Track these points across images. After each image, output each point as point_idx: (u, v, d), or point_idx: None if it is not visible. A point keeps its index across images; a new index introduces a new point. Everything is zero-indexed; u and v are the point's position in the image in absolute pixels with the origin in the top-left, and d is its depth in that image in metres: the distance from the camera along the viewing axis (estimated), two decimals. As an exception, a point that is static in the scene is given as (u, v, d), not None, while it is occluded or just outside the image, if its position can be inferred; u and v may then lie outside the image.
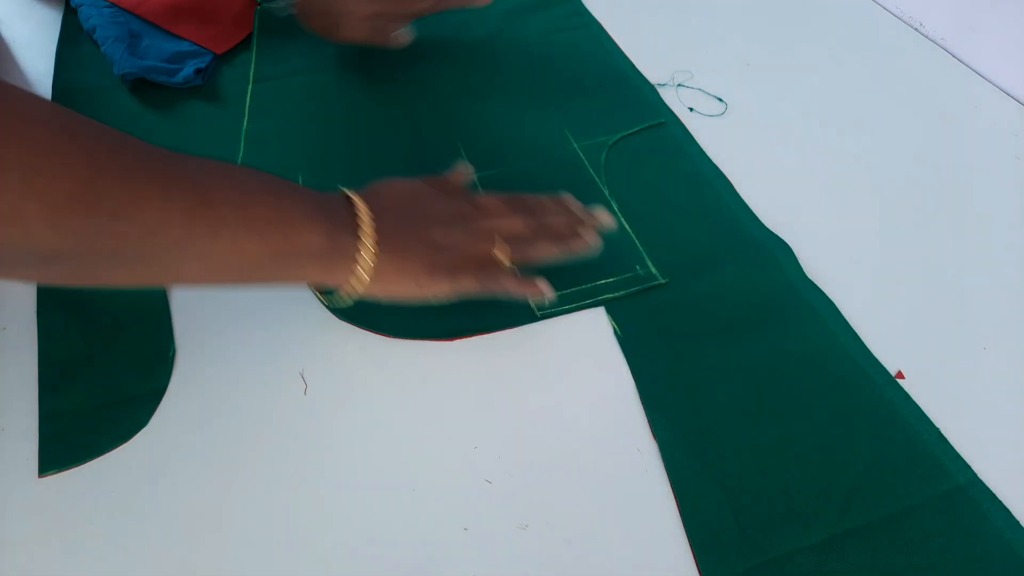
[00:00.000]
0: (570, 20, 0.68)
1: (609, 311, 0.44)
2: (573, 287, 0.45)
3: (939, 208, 0.52)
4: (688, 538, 0.35)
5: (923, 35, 0.68)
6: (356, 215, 0.37)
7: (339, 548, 0.34)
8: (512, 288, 0.41)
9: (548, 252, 0.42)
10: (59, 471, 0.36)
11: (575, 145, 0.55)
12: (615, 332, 0.43)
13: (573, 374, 0.41)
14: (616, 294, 0.45)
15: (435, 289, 0.39)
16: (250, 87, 0.59)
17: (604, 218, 0.44)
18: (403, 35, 0.54)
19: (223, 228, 0.32)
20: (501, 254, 0.41)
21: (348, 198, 0.39)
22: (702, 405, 0.40)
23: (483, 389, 0.40)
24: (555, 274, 0.45)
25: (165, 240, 0.30)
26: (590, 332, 0.43)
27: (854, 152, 0.56)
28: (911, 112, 0.60)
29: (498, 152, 0.54)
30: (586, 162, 0.53)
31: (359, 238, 0.37)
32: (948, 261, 0.48)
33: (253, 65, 0.61)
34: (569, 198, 0.45)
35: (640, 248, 0.47)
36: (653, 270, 0.46)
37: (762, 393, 0.40)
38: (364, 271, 0.37)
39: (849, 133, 0.58)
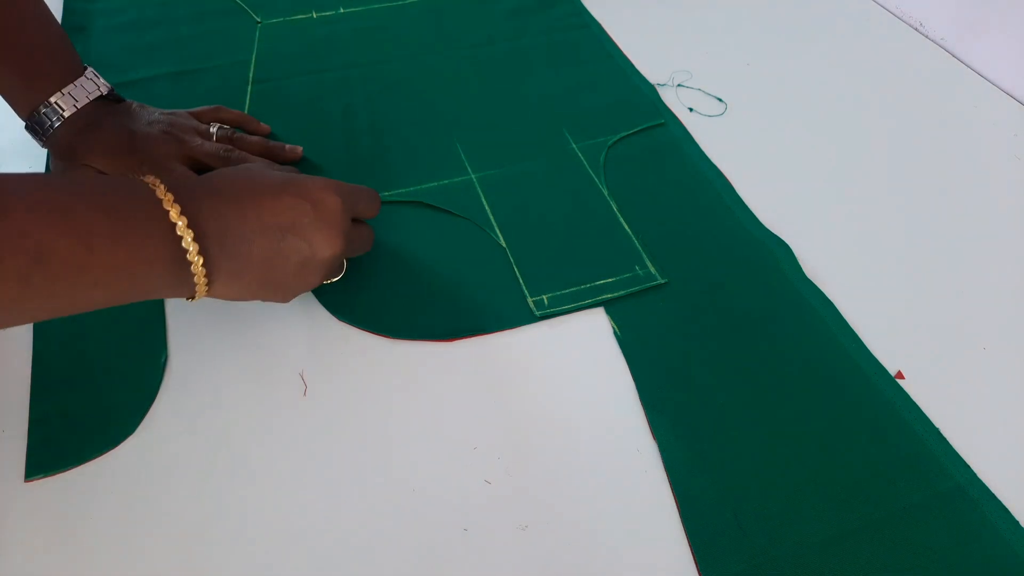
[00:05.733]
0: (570, 20, 0.68)
1: (609, 311, 0.44)
2: (573, 287, 0.45)
3: (939, 208, 0.52)
4: (688, 538, 0.35)
5: (923, 35, 0.68)
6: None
7: (339, 549, 0.34)
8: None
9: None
10: (45, 476, 0.36)
11: (574, 145, 0.55)
12: (615, 332, 0.43)
13: (573, 374, 0.41)
14: (616, 294, 0.45)
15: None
16: (249, 88, 0.59)
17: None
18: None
19: (62, 287, 0.29)
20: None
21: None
22: (702, 405, 0.40)
23: (483, 389, 0.40)
24: (555, 274, 0.46)
25: None
26: (590, 332, 0.43)
27: (854, 152, 0.56)
28: (911, 112, 0.60)
29: (497, 152, 0.54)
30: (585, 162, 0.53)
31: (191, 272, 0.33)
32: (948, 261, 0.48)
33: (252, 66, 0.61)
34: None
35: (640, 248, 0.47)
36: (653, 270, 0.46)
37: (762, 393, 0.40)
38: (200, 289, 0.34)
39: (849, 133, 0.58)
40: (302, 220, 0.36)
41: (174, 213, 0.32)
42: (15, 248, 0.27)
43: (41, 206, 0.29)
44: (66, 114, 0.46)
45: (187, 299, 0.35)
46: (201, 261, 0.33)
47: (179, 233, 0.32)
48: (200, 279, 0.33)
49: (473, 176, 0.52)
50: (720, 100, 0.60)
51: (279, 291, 0.38)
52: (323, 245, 0.37)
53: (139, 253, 0.31)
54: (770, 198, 0.51)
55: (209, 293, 0.35)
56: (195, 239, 0.32)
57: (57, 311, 0.31)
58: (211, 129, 0.51)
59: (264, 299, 0.38)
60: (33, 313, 0.30)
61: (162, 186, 0.33)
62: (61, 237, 0.28)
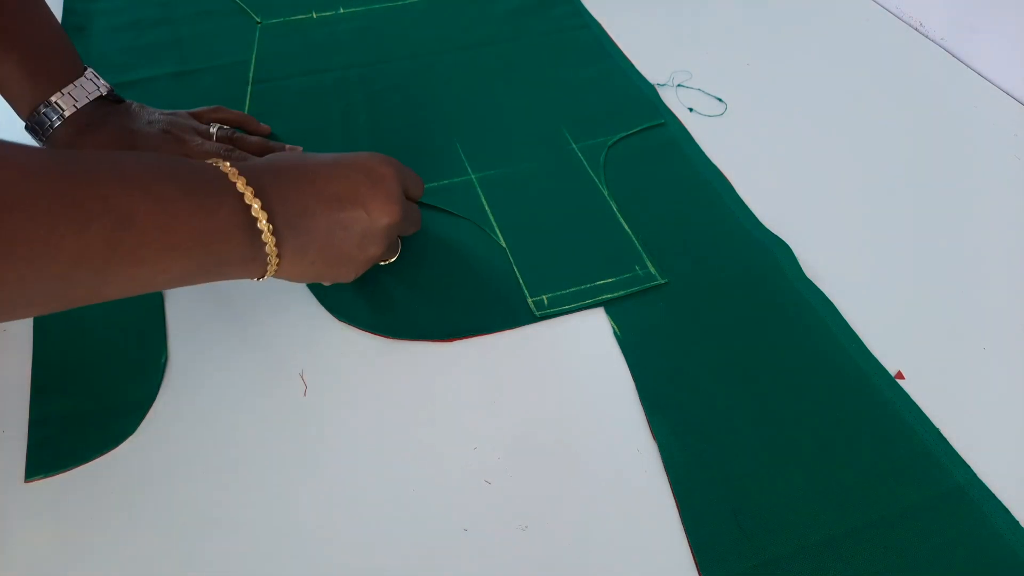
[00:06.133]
0: (570, 20, 0.68)
1: (609, 311, 0.44)
2: (573, 287, 0.45)
3: (939, 208, 0.52)
4: (688, 538, 0.35)
5: (923, 35, 0.68)
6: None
7: (339, 549, 0.34)
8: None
9: None
10: (45, 476, 0.36)
11: (574, 145, 0.55)
12: (615, 332, 0.43)
13: (573, 374, 0.41)
14: (616, 294, 0.45)
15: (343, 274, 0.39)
16: (249, 88, 0.59)
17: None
18: None
19: (147, 252, 0.30)
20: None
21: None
22: (702, 405, 0.40)
23: (483, 389, 0.40)
24: (555, 274, 0.46)
25: (84, 273, 0.28)
26: (590, 332, 0.43)
27: (854, 152, 0.56)
28: (911, 112, 0.60)
29: (497, 153, 0.54)
30: (585, 163, 0.53)
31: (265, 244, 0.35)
32: (948, 261, 0.48)
33: (252, 66, 0.61)
34: None
35: (639, 248, 0.47)
36: (652, 270, 0.46)
37: (761, 393, 0.40)
38: (272, 263, 0.35)
39: (849, 133, 0.58)
40: (359, 189, 0.37)
41: (243, 188, 0.33)
42: (101, 213, 0.28)
43: (122, 175, 0.30)
44: (66, 114, 0.46)
45: (256, 279, 0.36)
46: (271, 229, 0.34)
47: (249, 203, 0.33)
48: (272, 252, 0.35)
49: (473, 176, 0.52)
50: (720, 100, 0.60)
51: (343, 265, 0.39)
52: (380, 213, 0.38)
53: (216, 223, 0.32)
54: (770, 198, 0.51)
55: (278, 271, 0.36)
56: (263, 208, 0.34)
57: (141, 284, 0.31)
58: (211, 129, 0.51)
59: (330, 278, 0.40)
60: (121, 285, 0.31)
61: (228, 165, 0.34)
62: (143, 203, 0.29)
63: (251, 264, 0.35)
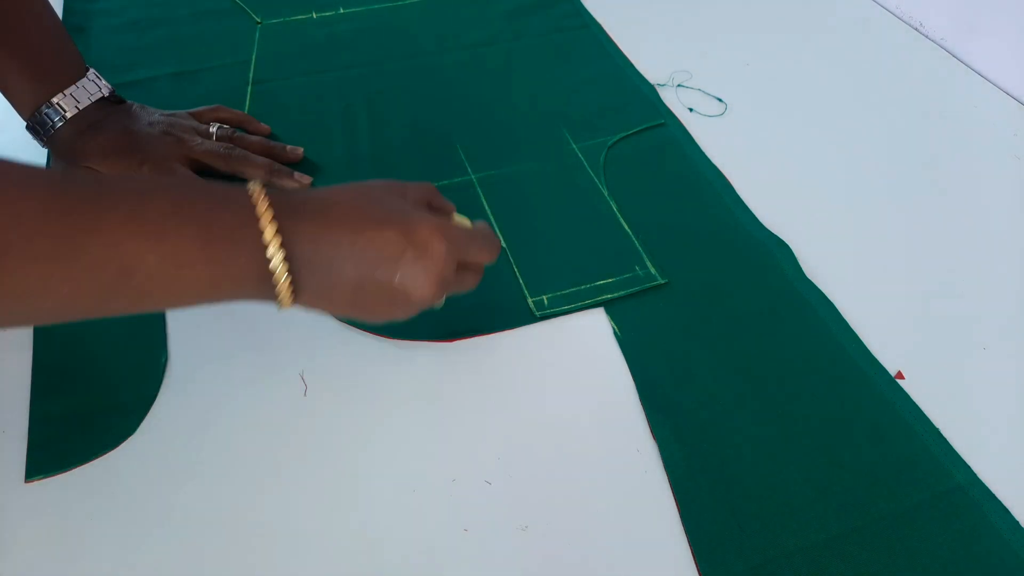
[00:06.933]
0: (569, 20, 0.68)
1: (609, 311, 0.44)
2: (573, 287, 0.45)
3: (939, 208, 0.52)
4: (688, 538, 0.35)
5: (923, 35, 0.68)
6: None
7: (340, 549, 0.34)
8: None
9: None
10: (45, 477, 0.36)
11: (574, 146, 0.55)
12: (615, 332, 0.43)
13: (573, 374, 0.41)
14: (616, 294, 0.45)
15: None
16: (249, 88, 0.59)
17: None
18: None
19: (147, 300, 0.29)
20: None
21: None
22: (702, 405, 0.40)
23: (483, 389, 0.40)
24: (555, 274, 0.46)
25: (80, 310, 0.28)
26: (590, 332, 0.43)
27: (854, 152, 0.56)
28: (911, 112, 0.60)
29: (497, 153, 0.54)
30: (585, 163, 0.53)
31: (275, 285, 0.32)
32: (948, 261, 0.48)
33: (252, 67, 0.61)
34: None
35: (640, 249, 0.47)
36: (652, 270, 0.46)
37: (761, 393, 0.40)
38: (285, 303, 0.33)
39: (849, 133, 0.58)
40: (400, 258, 0.33)
41: (269, 231, 0.31)
42: (106, 261, 0.27)
43: (139, 220, 0.28)
44: (68, 115, 0.46)
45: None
46: (288, 280, 0.31)
47: (268, 253, 0.31)
48: (286, 295, 0.32)
49: (473, 176, 0.52)
50: (720, 100, 0.60)
51: (367, 316, 0.36)
52: (415, 288, 0.34)
53: (227, 271, 0.30)
54: (770, 198, 0.51)
55: (297, 304, 0.34)
56: (285, 259, 0.31)
57: (139, 310, 0.30)
58: (211, 129, 0.51)
59: (355, 317, 0.37)
60: (116, 313, 0.30)
61: (264, 200, 0.31)
62: (151, 253, 0.28)
63: (266, 299, 0.33)
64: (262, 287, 0.31)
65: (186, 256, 0.29)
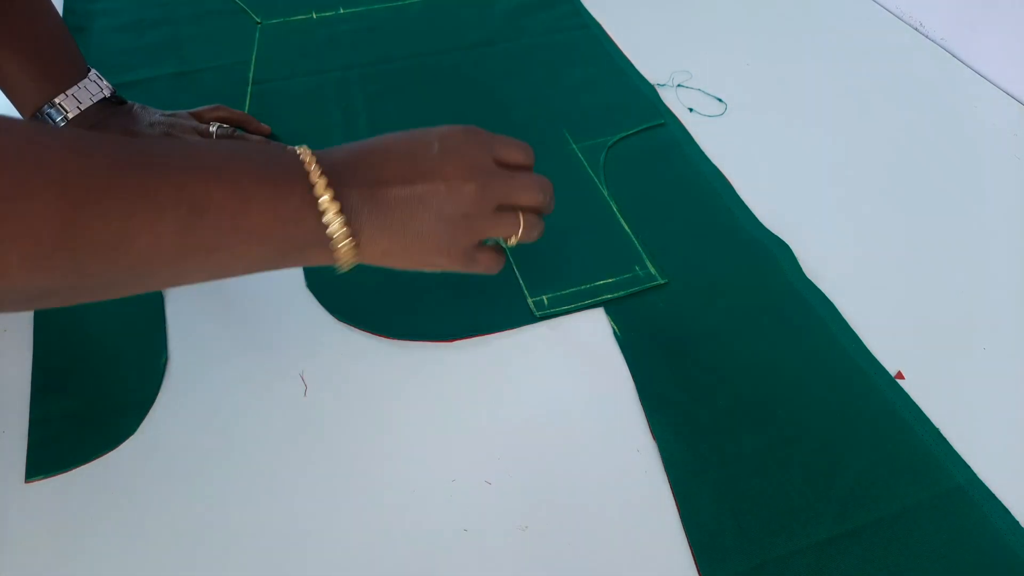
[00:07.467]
0: (570, 21, 0.68)
1: (608, 311, 0.44)
2: (573, 287, 0.45)
3: (938, 208, 0.52)
4: (688, 538, 0.35)
5: (923, 35, 0.68)
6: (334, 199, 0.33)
7: (340, 549, 0.34)
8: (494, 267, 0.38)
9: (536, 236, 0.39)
10: (45, 477, 0.36)
11: (574, 146, 0.55)
12: (614, 332, 0.43)
13: (573, 374, 0.41)
14: (616, 294, 0.45)
15: (431, 265, 0.36)
16: (249, 88, 0.59)
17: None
18: None
19: (221, 239, 0.29)
20: (513, 237, 0.37)
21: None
22: (701, 405, 0.40)
23: (483, 389, 0.40)
24: (555, 274, 0.46)
25: (160, 262, 0.28)
26: (590, 332, 0.43)
27: (854, 152, 0.56)
28: (911, 112, 0.60)
29: (498, 153, 0.54)
30: (585, 163, 0.53)
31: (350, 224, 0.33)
32: (948, 261, 0.48)
33: (252, 67, 0.61)
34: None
35: (639, 249, 0.47)
36: (652, 271, 0.46)
37: (761, 393, 0.40)
38: (361, 253, 0.34)
39: (848, 133, 0.58)
40: (432, 158, 0.35)
41: (311, 165, 0.32)
42: (176, 202, 0.28)
43: (196, 162, 0.29)
44: (70, 116, 0.46)
45: (341, 264, 0.34)
46: (339, 210, 0.32)
47: (313, 182, 0.32)
48: (339, 232, 0.32)
49: None
50: (720, 100, 0.60)
51: (431, 246, 0.35)
52: (459, 180, 0.35)
53: (289, 207, 0.31)
54: (770, 198, 0.51)
55: (360, 254, 0.34)
56: (330, 189, 0.32)
57: (217, 271, 0.31)
58: (211, 128, 0.51)
59: (425, 263, 0.36)
60: (195, 273, 0.30)
61: (307, 149, 0.33)
62: (217, 189, 0.29)
63: (331, 248, 0.33)
64: (326, 226, 0.32)
65: (247, 190, 0.30)
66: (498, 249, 0.38)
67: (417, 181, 0.34)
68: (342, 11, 0.68)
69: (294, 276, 0.45)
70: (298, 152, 0.33)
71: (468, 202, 0.35)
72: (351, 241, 0.33)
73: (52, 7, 0.48)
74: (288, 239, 0.32)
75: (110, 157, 0.27)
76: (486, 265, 0.37)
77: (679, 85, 0.61)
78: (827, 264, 0.47)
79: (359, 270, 0.45)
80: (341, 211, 0.32)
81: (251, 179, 0.30)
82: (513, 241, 0.37)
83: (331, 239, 0.32)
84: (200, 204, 0.28)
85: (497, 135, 0.39)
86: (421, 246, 0.35)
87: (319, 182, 0.32)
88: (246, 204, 0.30)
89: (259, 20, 0.66)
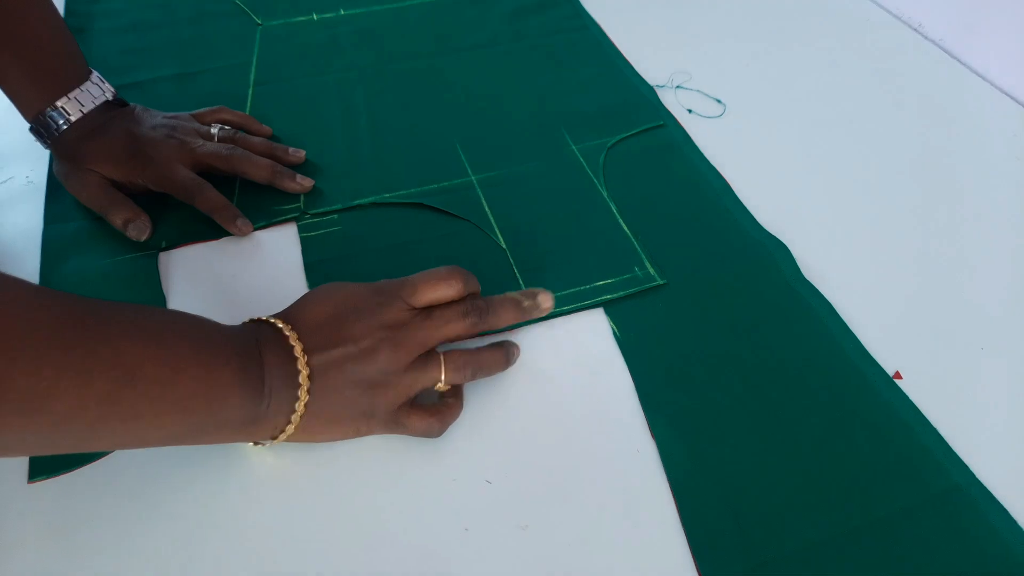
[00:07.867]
0: (569, 22, 0.68)
1: (608, 312, 0.44)
2: (572, 288, 0.45)
3: (938, 209, 0.52)
4: (687, 538, 0.35)
5: (923, 35, 0.68)
6: (295, 379, 0.34)
7: (339, 548, 0.34)
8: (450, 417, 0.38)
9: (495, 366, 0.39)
10: (48, 477, 0.36)
11: (574, 147, 0.55)
12: (614, 333, 0.43)
13: (573, 374, 0.41)
14: (615, 295, 0.45)
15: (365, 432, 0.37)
16: (250, 90, 0.59)
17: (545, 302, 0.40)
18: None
19: (145, 408, 0.29)
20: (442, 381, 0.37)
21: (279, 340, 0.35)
22: (701, 405, 0.40)
23: (483, 389, 0.40)
24: (554, 275, 0.46)
25: (78, 426, 0.28)
26: (589, 333, 0.43)
27: (853, 153, 0.56)
28: (911, 113, 0.60)
29: (497, 154, 0.54)
30: (585, 164, 0.54)
31: (294, 409, 0.34)
32: (946, 261, 0.48)
33: (253, 68, 0.61)
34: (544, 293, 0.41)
35: (639, 249, 0.48)
36: (652, 271, 0.46)
37: (760, 394, 0.40)
38: (289, 431, 0.34)
39: (848, 134, 0.58)
40: (349, 362, 0.35)
41: (295, 341, 0.34)
42: (109, 366, 0.28)
43: (138, 327, 0.30)
44: (72, 119, 0.46)
45: (255, 443, 0.36)
46: (308, 388, 0.34)
47: (297, 356, 0.34)
48: (299, 411, 0.34)
49: (473, 178, 0.52)
50: (719, 101, 0.60)
51: (345, 420, 0.36)
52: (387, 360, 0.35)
53: (219, 377, 0.31)
54: (769, 199, 0.51)
55: (294, 433, 0.35)
56: (307, 367, 0.34)
57: (131, 440, 0.32)
58: (212, 130, 0.51)
59: (328, 437, 0.37)
60: (110, 440, 0.30)
61: (288, 326, 0.35)
62: (149, 360, 0.29)
63: (252, 427, 0.33)
64: (254, 405, 0.33)
65: (182, 361, 0.30)
66: (445, 405, 0.38)
67: (334, 347, 0.35)
68: (343, 12, 0.68)
69: (294, 276, 0.46)
70: (276, 325, 0.35)
71: (383, 362, 0.35)
72: (294, 428, 0.34)
73: (54, 9, 0.48)
74: (212, 413, 0.32)
75: (55, 320, 0.27)
76: (417, 428, 0.37)
77: (678, 86, 0.61)
78: (825, 264, 0.47)
79: (361, 270, 0.45)
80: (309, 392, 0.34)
81: (190, 347, 0.31)
82: (442, 386, 0.38)
83: (259, 419, 0.33)
84: (132, 371, 0.28)
85: (408, 278, 0.38)
86: (343, 414, 0.36)
87: (300, 357, 0.34)
88: (177, 374, 0.30)
89: (260, 22, 0.66)
